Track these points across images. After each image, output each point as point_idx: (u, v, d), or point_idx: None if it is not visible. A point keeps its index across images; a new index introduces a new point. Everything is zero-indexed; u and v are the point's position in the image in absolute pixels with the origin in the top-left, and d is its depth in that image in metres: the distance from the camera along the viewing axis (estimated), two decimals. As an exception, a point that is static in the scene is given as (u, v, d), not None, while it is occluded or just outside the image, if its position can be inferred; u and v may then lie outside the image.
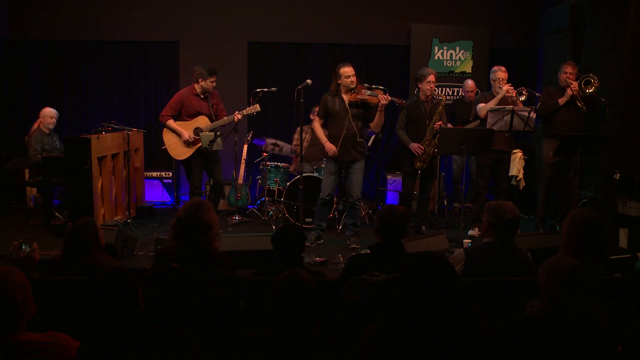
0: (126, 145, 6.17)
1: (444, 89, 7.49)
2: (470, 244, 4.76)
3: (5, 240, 3.95)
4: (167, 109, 5.68)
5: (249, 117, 5.93)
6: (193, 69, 5.69)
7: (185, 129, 5.60)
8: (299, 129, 5.38)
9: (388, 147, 7.82)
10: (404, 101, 5.28)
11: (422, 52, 7.57)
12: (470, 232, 5.72)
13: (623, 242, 5.36)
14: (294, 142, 6.66)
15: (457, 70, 7.64)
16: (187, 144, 5.61)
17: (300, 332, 2.07)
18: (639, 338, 2.02)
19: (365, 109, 5.16)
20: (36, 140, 5.99)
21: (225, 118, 5.68)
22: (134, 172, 6.44)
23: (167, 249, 3.11)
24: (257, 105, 5.72)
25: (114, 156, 6.13)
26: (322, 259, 4.76)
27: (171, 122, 5.62)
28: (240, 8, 7.51)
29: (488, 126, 5.41)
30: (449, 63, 7.63)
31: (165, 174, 7.29)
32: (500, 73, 5.65)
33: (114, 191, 6.15)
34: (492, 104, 5.54)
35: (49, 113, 6.15)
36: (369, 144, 6.34)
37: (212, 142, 5.48)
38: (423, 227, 5.83)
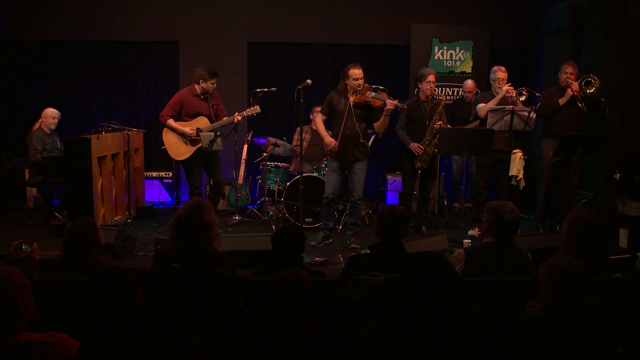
0: (126, 145, 6.18)
1: (444, 89, 7.48)
2: (470, 244, 4.74)
3: (5, 240, 3.93)
4: (167, 109, 5.68)
5: (249, 118, 5.93)
6: (194, 70, 5.70)
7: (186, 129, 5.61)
8: (299, 129, 5.38)
9: (388, 147, 7.81)
10: (406, 106, 5.29)
11: (422, 52, 7.57)
12: (470, 232, 5.72)
13: (623, 242, 5.36)
14: (294, 142, 6.67)
15: (457, 70, 7.64)
16: (187, 143, 5.62)
17: (300, 332, 2.07)
18: (639, 338, 2.03)
19: (369, 111, 5.17)
20: (37, 140, 6.00)
21: (225, 119, 5.68)
22: (134, 172, 6.44)
23: (167, 249, 3.11)
24: (257, 107, 5.73)
25: (114, 156, 6.13)
26: (322, 259, 4.77)
27: (171, 122, 5.62)
28: (240, 8, 7.51)
29: (488, 126, 5.41)
30: (449, 63, 7.63)
31: (165, 174, 7.30)
32: (500, 73, 5.65)
33: (114, 191, 6.15)
34: (492, 104, 5.55)
35: (51, 113, 6.16)
36: (369, 143, 6.32)
37: (212, 142, 5.48)
38: (423, 227, 5.83)
